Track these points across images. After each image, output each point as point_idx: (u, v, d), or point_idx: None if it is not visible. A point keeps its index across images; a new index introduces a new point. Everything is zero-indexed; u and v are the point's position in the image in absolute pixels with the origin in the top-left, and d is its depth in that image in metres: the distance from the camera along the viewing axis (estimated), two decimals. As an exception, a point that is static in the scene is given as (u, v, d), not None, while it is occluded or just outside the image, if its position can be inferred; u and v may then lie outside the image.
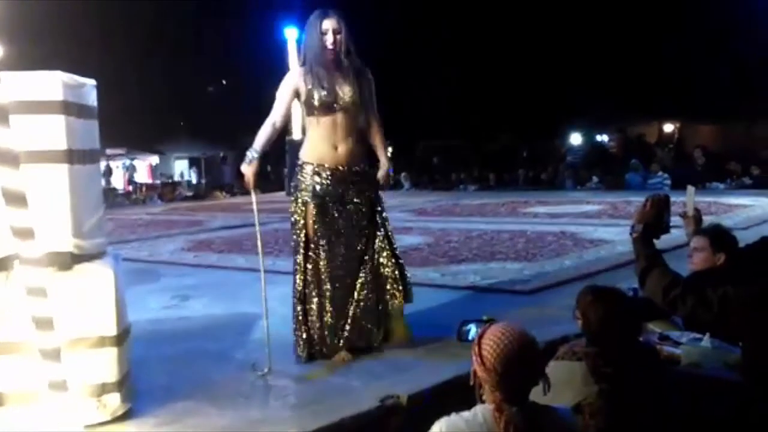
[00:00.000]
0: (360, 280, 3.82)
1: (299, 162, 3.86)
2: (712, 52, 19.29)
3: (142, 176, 27.25)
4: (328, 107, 3.73)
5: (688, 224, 3.73)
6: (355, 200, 3.80)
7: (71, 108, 3.02)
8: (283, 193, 19.06)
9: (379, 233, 3.86)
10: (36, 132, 2.92)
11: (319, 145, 3.78)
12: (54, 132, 2.95)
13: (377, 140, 3.99)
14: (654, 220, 2.70)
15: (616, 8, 20.79)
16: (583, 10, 21.11)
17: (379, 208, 3.90)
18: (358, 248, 3.80)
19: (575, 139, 23.37)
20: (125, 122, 22.86)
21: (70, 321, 2.90)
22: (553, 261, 6.59)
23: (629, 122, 23.13)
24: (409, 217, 11.70)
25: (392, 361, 3.78)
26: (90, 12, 20.48)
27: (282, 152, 19.63)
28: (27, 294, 2.52)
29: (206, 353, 4.06)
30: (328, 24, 3.73)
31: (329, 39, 3.72)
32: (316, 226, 3.75)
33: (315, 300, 3.78)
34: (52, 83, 2.96)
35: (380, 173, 3.91)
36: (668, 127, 25.25)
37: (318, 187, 3.75)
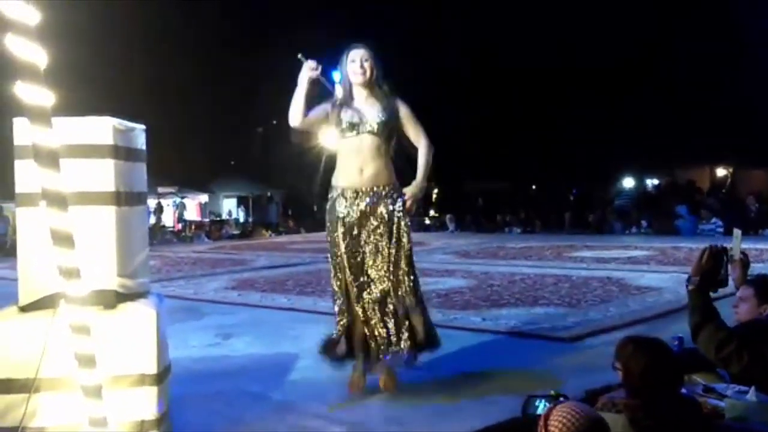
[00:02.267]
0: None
1: (331, 185, 4.00)
2: (766, 97, 18.96)
3: (192, 214, 27.79)
4: (354, 129, 3.87)
5: (733, 269, 3.63)
6: (372, 223, 3.87)
7: (120, 152, 3.13)
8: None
9: (398, 262, 3.86)
10: (86, 175, 3.03)
11: (346, 168, 3.93)
12: (103, 175, 3.07)
13: (420, 159, 4.03)
14: (711, 273, 2.63)
15: (670, 50, 20.65)
16: (637, 51, 21.03)
17: (401, 233, 3.88)
18: (382, 269, 3.85)
19: (624, 182, 23.07)
20: (177, 161, 23.47)
21: (112, 358, 2.96)
22: (598, 307, 6.47)
23: (680, 166, 22.76)
24: (452, 259, 11.65)
25: (430, 407, 3.73)
26: (144, 57, 21.26)
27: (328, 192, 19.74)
28: (71, 332, 2.59)
29: (245, 393, 4.08)
30: (355, 54, 3.95)
31: (356, 66, 3.91)
32: (344, 246, 3.86)
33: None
34: (102, 128, 3.08)
35: (409, 189, 3.93)
36: (720, 172, 24.77)
37: (343, 210, 3.89)
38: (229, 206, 30.06)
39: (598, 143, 21.62)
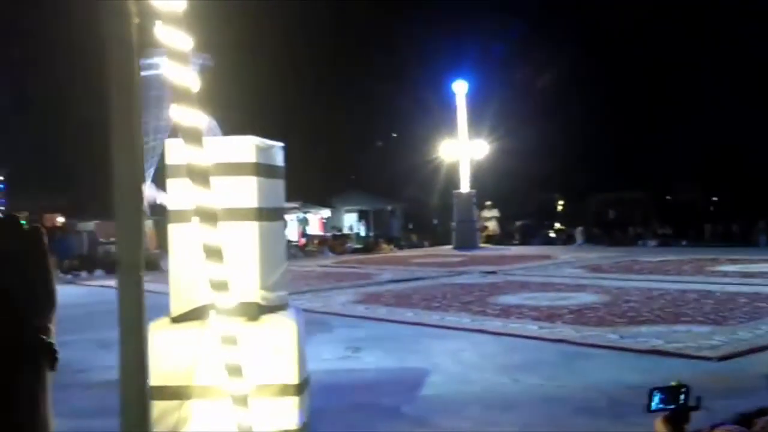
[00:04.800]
0: None
1: None
2: None
3: (315, 229, 28.52)
4: None
5: None
6: None
7: (262, 169, 3.25)
8: (449, 247, 19.15)
9: None
10: (230, 192, 3.16)
11: None
12: (246, 192, 3.20)
13: None
14: None
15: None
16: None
17: None
18: None
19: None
20: (299, 177, 24.24)
21: (256, 369, 3.05)
22: (747, 325, 6.05)
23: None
24: (583, 273, 11.27)
25: (567, 427, 3.62)
26: (269, 76, 22.25)
27: (449, 205, 19.82)
28: (221, 342, 2.69)
29: (379, 407, 4.11)
30: None
31: None
32: None
33: None
34: (246, 147, 3.22)
35: None
36: None
37: None
38: (350, 221, 30.61)
39: (738, 146, 20.23)
